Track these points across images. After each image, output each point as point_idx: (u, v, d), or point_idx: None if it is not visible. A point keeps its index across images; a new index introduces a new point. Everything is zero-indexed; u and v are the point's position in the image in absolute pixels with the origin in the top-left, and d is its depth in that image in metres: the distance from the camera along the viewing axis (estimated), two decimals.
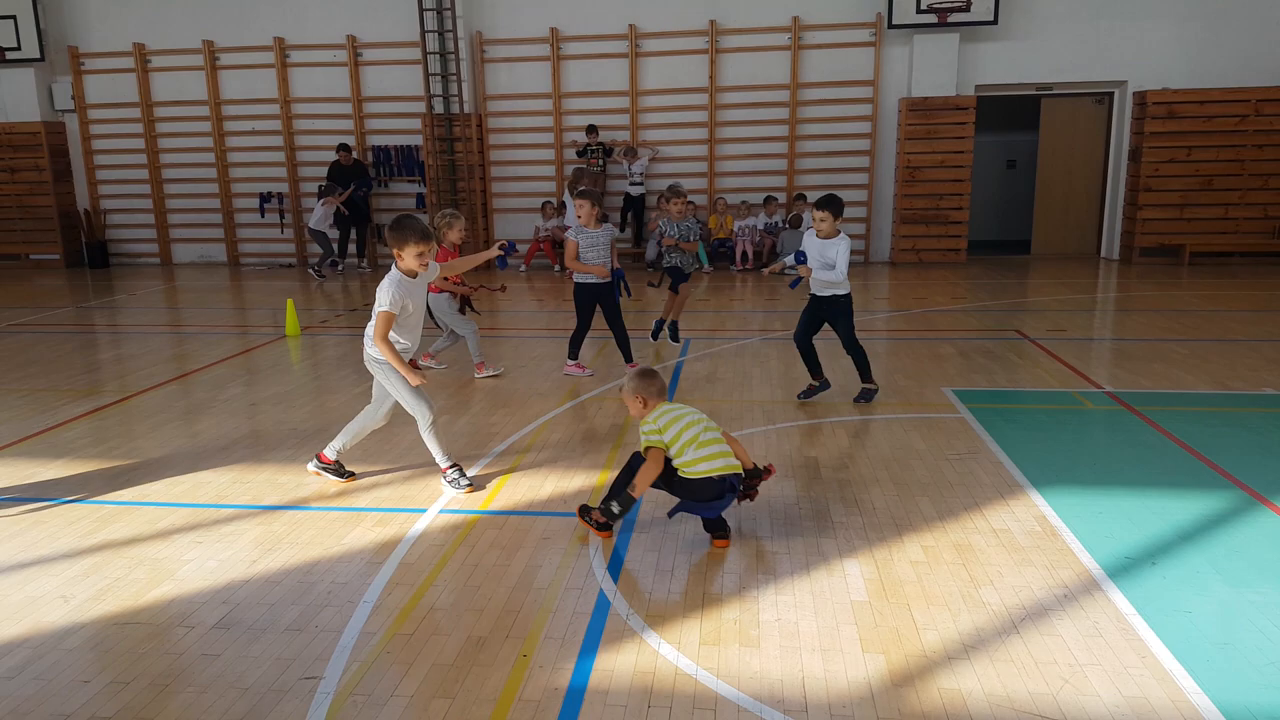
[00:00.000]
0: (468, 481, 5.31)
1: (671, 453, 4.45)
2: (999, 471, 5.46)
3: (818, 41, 14.99)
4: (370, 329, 5.14)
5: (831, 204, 6.69)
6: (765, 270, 8.54)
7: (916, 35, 14.70)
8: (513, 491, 5.29)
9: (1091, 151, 15.91)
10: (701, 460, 4.39)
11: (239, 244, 17.01)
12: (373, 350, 5.17)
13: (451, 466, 5.36)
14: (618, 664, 3.47)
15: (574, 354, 7.94)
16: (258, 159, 16.52)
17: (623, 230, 15.57)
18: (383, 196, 16.40)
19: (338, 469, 5.48)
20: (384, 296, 5.04)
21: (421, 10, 14.91)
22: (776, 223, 15.05)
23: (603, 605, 3.91)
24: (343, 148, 15.34)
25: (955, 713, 3.15)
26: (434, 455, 5.38)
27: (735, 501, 4.54)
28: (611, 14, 15.22)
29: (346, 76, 15.95)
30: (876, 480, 5.35)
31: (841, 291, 6.82)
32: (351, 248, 16.07)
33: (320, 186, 15.41)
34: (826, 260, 6.68)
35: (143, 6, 16.16)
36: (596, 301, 7.72)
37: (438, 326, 8.00)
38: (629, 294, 8.06)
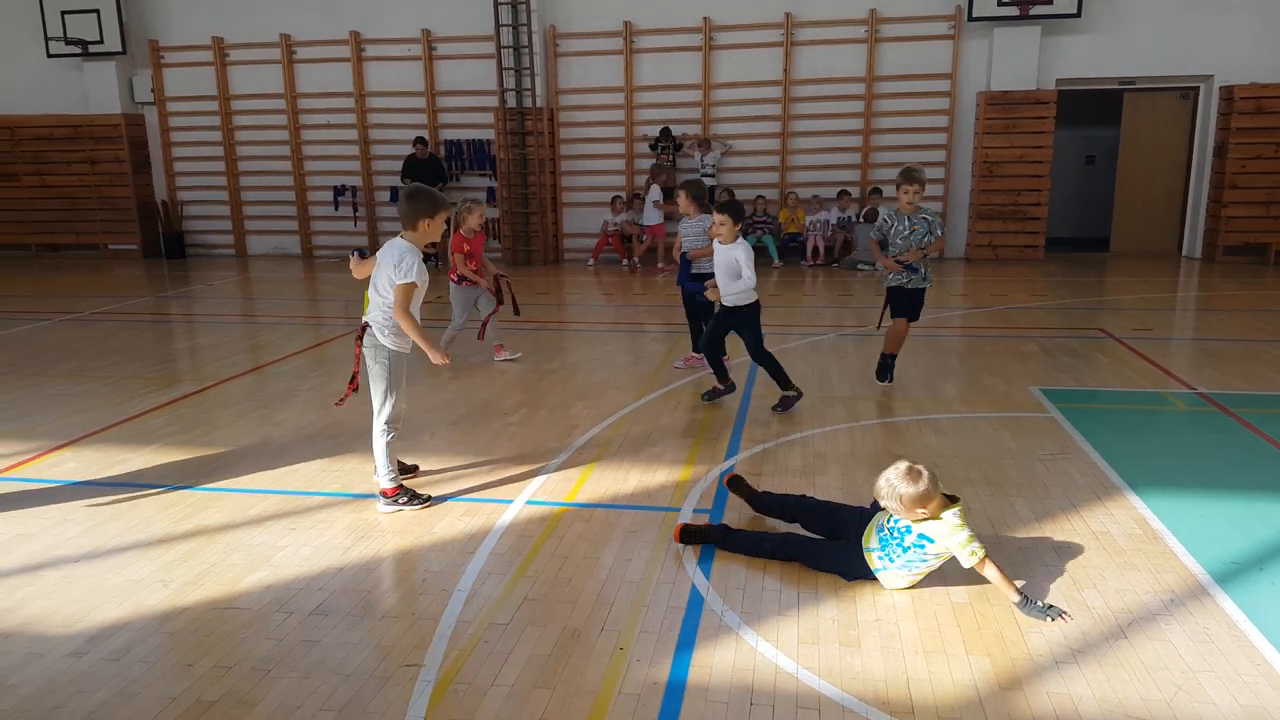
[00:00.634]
0: (421, 502, 4.93)
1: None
2: (1093, 472, 5.33)
3: (895, 34, 14.75)
4: (375, 313, 4.85)
5: (731, 208, 6.44)
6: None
7: (997, 28, 14.40)
8: (597, 484, 5.27)
9: (1174, 147, 15.46)
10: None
11: (312, 236, 17.24)
12: (380, 335, 4.84)
13: (398, 490, 4.90)
14: (715, 660, 3.43)
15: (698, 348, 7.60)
16: (332, 152, 16.70)
17: None
18: (454, 190, 16.50)
19: (409, 494, 4.96)
20: (407, 267, 4.67)
21: (496, 4, 14.96)
22: (850, 217, 14.88)
23: (696, 600, 3.88)
24: (419, 141, 15.45)
25: (1066, 718, 3.07)
26: (378, 463, 4.91)
27: None
28: (685, 7, 15.11)
29: (420, 70, 16.05)
30: (969, 480, 5.24)
31: (746, 301, 6.50)
32: None
33: (393, 188, 15.51)
34: (732, 269, 6.37)
35: (222, 1, 16.44)
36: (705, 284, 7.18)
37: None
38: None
